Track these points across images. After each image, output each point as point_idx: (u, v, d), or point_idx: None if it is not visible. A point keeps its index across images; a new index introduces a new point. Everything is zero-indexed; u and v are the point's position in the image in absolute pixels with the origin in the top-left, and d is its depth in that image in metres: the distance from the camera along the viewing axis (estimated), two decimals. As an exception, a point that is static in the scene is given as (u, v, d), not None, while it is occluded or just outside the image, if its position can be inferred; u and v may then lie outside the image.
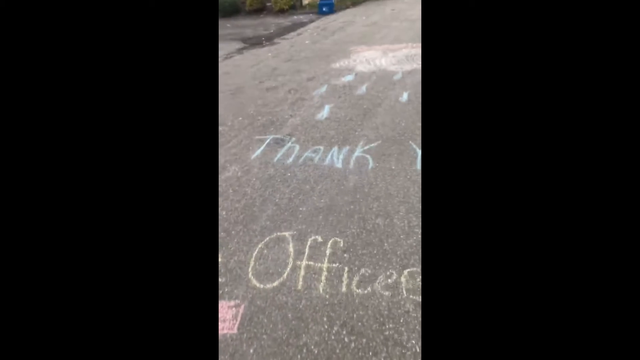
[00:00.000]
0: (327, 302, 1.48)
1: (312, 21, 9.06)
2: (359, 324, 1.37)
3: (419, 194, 2.09)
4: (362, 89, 3.93)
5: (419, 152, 2.54)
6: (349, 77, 4.38)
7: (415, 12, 8.28)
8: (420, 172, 2.31)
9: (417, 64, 4.52)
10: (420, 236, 1.76)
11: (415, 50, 5.23)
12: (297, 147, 2.83)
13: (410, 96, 3.55)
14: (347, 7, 10.46)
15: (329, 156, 2.64)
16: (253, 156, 2.77)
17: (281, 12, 10.65)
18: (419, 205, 1.99)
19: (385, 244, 1.74)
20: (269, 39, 7.50)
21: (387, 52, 5.31)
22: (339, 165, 2.52)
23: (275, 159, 2.69)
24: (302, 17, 9.60)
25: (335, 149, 2.73)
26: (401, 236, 1.78)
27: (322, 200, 2.14)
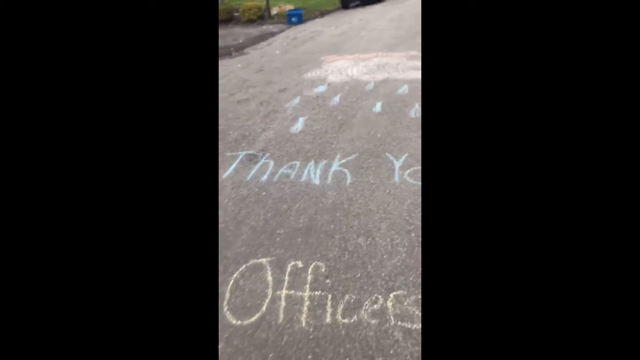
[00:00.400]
0: (311, 337, 1.37)
1: (282, 31, 9.01)
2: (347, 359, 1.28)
3: (399, 209, 2.04)
4: (336, 100, 3.89)
5: (397, 164, 2.51)
6: (322, 88, 4.33)
7: (382, 22, 8.45)
8: (398, 184, 2.27)
9: (388, 73, 4.56)
10: (404, 255, 1.70)
11: (385, 59, 5.29)
12: (272, 162, 2.72)
13: (383, 106, 3.55)
14: (316, 17, 10.51)
15: (306, 172, 2.55)
16: (225, 175, 2.63)
17: (250, 22, 10.50)
18: (400, 221, 1.94)
19: (369, 266, 1.66)
20: (238, 50, 7.34)
21: (358, 62, 5.34)
22: (317, 181, 2.43)
23: (249, 177, 2.56)
24: (271, 27, 9.53)
25: (312, 163, 2.64)
26: (384, 256, 1.71)
27: (300, 221, 2.04)
